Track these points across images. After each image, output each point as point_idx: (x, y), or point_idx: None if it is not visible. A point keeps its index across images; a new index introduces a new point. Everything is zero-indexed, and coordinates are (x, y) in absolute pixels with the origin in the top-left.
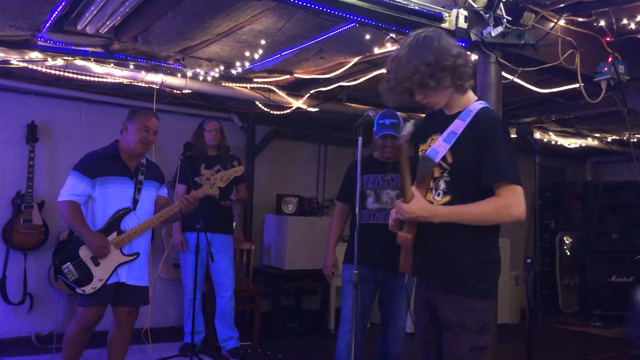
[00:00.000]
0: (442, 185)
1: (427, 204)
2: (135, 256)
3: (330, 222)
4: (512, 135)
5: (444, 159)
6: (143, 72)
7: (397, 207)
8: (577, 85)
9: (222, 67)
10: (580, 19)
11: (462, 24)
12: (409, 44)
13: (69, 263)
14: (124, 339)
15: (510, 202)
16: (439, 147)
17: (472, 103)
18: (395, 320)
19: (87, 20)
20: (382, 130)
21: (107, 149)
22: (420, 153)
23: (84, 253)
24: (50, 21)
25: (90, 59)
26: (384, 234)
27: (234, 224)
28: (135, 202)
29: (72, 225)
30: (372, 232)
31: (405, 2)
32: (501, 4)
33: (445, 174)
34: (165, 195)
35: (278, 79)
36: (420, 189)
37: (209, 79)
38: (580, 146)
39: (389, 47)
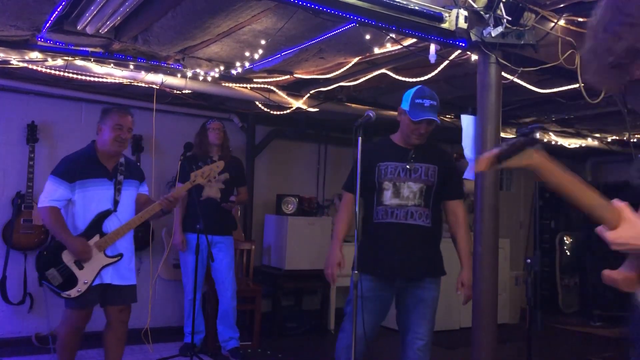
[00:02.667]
0: None
1: None
2: (119, 257)
3: (338, 215)
4: (512, 136)
5: None
6: (143, 72)
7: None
8: (577, 86)
9: (222, 67)
10: (580, 19)
11: (462, 24)
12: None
13: (52, 269)
14: (118, 337)
15: None
16: None
17: None
18: (415, 337)
19: (87, 20)
20: (420, 113)
21: (84, 151)
22: None
23: (67, 257)
24: (50, 21)
25: (90, 59)
26: (404, 236)
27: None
28: (115, 203)
29: (53, 231)
30: (390, 233)
31: (405, 2)
32: (501, 4)
33: None
34: (146, 193)
35: (278, 79)
36: None
37: (209, 79)
38: (580, 146)
39: (389, 47)
